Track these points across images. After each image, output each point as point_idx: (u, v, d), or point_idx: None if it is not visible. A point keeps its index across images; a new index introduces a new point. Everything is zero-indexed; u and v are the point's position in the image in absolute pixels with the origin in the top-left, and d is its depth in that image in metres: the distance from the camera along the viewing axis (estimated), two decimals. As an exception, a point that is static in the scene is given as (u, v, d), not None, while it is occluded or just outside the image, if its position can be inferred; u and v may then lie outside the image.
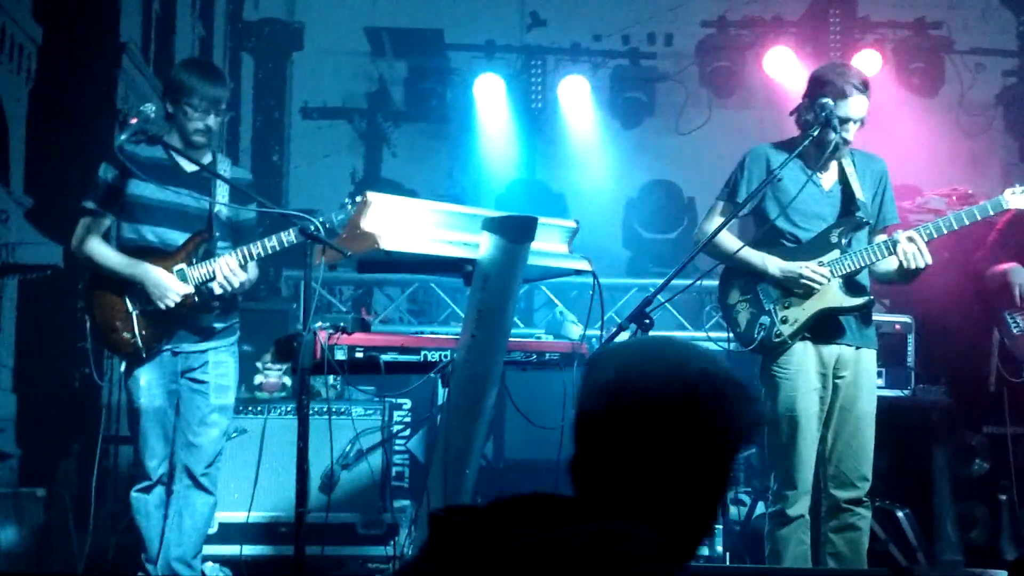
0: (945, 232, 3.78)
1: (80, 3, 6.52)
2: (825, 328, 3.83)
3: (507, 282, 3.14)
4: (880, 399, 4.02)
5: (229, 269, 3.83)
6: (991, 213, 3.82)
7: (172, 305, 3.85)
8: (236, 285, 3.86)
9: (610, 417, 1.37)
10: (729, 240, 3.87)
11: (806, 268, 3.77)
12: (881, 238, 3.89)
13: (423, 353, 3.26)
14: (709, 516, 1.41)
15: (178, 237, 3.93)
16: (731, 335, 3.98)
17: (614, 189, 6.98)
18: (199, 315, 3.96)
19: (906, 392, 5.11)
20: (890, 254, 3.79)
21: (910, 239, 3.72)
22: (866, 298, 3.85)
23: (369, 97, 7.19)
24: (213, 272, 3.87)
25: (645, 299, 3.38)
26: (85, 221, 3.95)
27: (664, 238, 6.68)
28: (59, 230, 4.03)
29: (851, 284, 3.85)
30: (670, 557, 1.29)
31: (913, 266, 3.70)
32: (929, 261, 3.71)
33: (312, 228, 3.19)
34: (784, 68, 6.65)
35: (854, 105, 3.75)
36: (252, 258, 3.87)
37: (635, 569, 1.23)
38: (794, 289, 3.81)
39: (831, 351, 3.85)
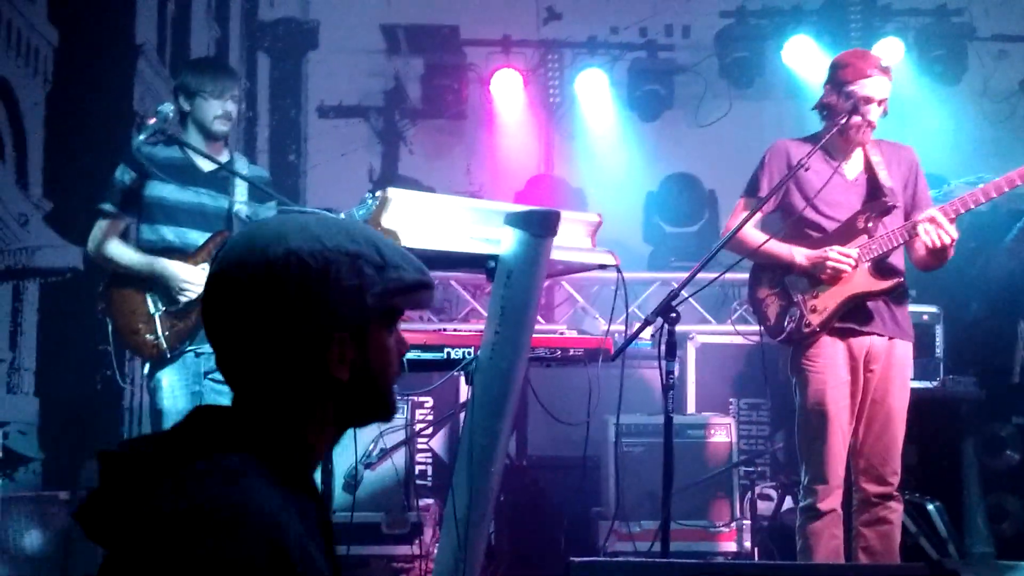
0: (972, 206, 3.70)
1: (95, 6, 6.53)
2: (855, 317, 3.78)
3: (531, 277, 3.09)
4: (910, 391, 3.97)
5: None
6: (1006, 189, 3.73)
7: (195, 296, 3.84)
8: None
9: (210, 304, 1.40)
10: (755, 235, 3.83)
11: (832, 251, 3.73)
12: None
13: (446, 350, 3.22)
14: (307, 418, 1.38)
15: (198, 237, 3.92)
16: (761, 328, 3.94)
17: (634, 183, 6.92)
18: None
19: (935, 383, 5.05)
20: (908, 238, 3.73)
21: (930, 219, 3.66)
22: (895, 280, 3.79)
23: (385, 95, 7.16)
24: None
25: (671, 293, 3.34)
26: (102, 224, 3.94)
27: (686, 231, 6.61)
28: (78, 233, 4.03)
29: (881, 267, 3.79)
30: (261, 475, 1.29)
31: (939, 244, 3.64)
32: (955, 235, 3.64)
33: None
34: (804, 58, 6.58)
35: (876, 85, 3.70)
36: None
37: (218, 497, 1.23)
38: (821, 275, 3.76)
39: (861, 343, 3.80)
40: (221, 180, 3.96)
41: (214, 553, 1.17)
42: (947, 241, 3.64)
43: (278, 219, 1.44)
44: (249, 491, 1.25)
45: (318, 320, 1.35)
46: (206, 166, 3.93)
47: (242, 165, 4.09)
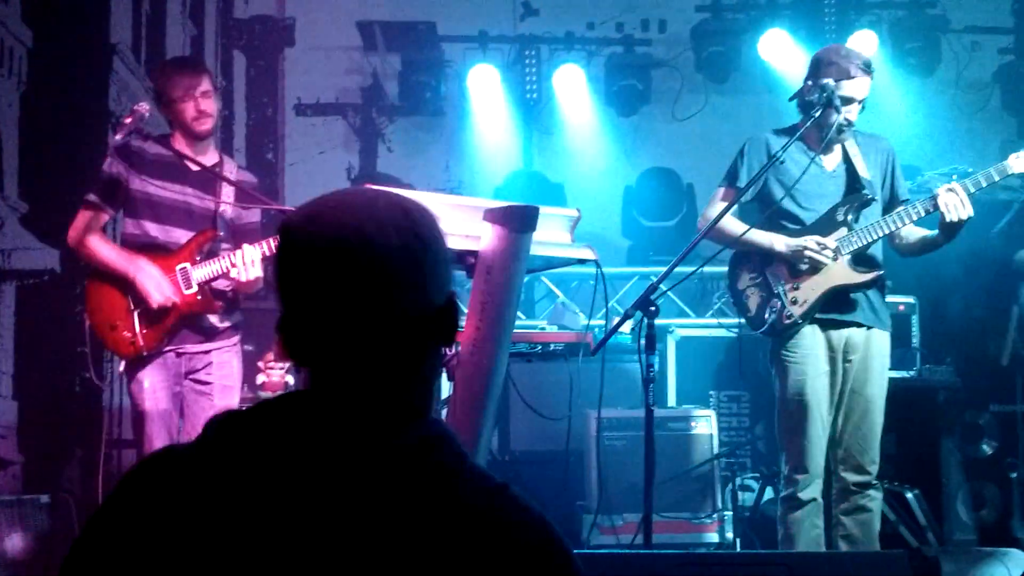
0: (984, 185, 3.72)
1: (70, 5, 6.48)
2: (836, 307, 3.82)
3: (510, 273, 3.09)
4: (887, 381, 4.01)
5: (250, 261, 3.76)
6: (996, 179, 3.77)
7: (156, 306, 3.79)
8: (251, 278, 3.78)
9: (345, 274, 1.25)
10: (733, 224, 3.86)
11: (811, 241, 3.76)
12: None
13: (427, 347, 3.22)
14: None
15: (182, 235, 3.90)
16: (741, 320, 3.97)
17: (612, 178, 6.94)
18: (202, 315, 3.92)
19: (912, 373, 5.10)
20: (926, 211, 3.75)
21: (950, 190, 3.68)
22: (876, 272, 3.83)
23: (363, 92, 7.14)
24: (223, 268, 3.82)
25: (650, 286, 3.37)
26: (86, 214, 3.91)
27: (664, 225, 6.64)
28: (55, 234, 4.00)
29: (860, 260, 3.83)
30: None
31: (956, 217, 3.66)
32: (971, 212, 3.67)
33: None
34: (780, 51, 6.61)
35: (857, 85, 3.74)
36: (274, 252, 3.82)
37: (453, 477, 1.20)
38: (800, 265, 3.79)
39: (840, 335, 3.84)
40: (209, 180, 3.94)
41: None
42: (964, 216, 3.66)
43: (360, 190, 1.39)
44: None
45: (448, 277, 1.31)
46: (195, 164, 3.90)
47: (230, 167, 4.08)
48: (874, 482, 3.87)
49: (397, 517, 1.15)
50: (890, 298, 5.20)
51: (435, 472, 1.20)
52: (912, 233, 3.88)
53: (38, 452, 5.82)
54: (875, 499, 3.88)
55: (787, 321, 3.80)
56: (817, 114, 3.71)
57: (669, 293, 5.91)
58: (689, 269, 3.84)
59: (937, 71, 6.79)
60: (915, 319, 5.21)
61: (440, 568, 1.14)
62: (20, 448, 5.85)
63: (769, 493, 4.90)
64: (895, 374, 5.01)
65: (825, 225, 3.83)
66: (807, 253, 3.76)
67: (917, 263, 4.64)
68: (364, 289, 1.23)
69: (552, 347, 3.53)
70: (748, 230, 3.82)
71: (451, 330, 1.31)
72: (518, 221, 3.06)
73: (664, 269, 3.56)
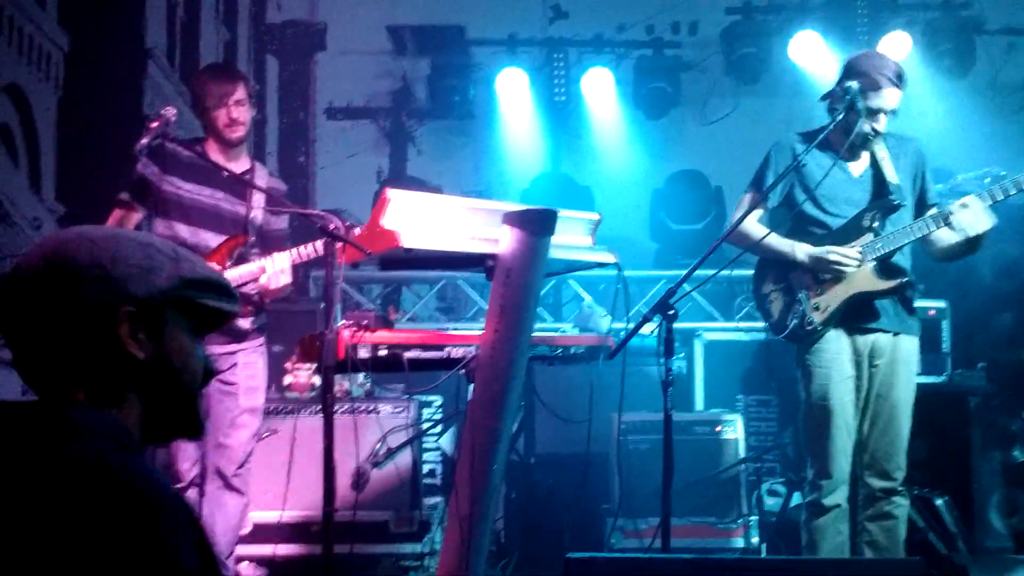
0: (1013, 192, 3.64)
1: (106, 10, 6.57)
2: (860, 314, 3.78)
3: (529, 276, 3.11)
4: (917, 385, 3.96)
5: (281, 268, 3.80)
6: None
7: None
8: (281, 284, 3.83)
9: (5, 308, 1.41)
10: (756, 229, 3.83)
11: (835, 251, 3.72)
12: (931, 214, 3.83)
13: (447, 349, 3.24)
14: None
15: (211, 238, 3.94)
16: (766, 325, 3.95)
17: (640, 181, 6.92)
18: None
19: (943, 378, 5.04)
20: (939, 227, 3.71)
21: (963, 206, 3.64)
22: (899, 280, 3.77)
23: (393, 96, 7.19)
24: (252, 273, 3.86)
25: (669, 290, 3.36)
26: (117, 213, 3.97)
27: (692, 228, 6.61)
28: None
29: (886, 267, 3.78)
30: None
31: (973, 233, 3.62)
32: (992, 222, 3.62)
33: (332, 227, 3.17)
34: (811, 53, 6.57)
35: (887, 97, 3.69)
36: (302, 259, 3.87)
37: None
38: (824, 274, 3.76)
39: (866, 340, 3.80)
40: (240, 185, 3.98)
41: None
42: (983, 230, 3.61)
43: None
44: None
45: (106, 289, 1.38)
46: (225, 171, 3.94)
47: (262, 174, 4.11)
48: (900, 488, 3.82)
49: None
50: (921, 303, 5.15)
51: (51, 435, 1.30)
52: (943, 238, 3.82)
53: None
54: (901, 506, 3.83)
55: (808, 328, 3.77)
56: (839, 117, 3.67)
57: (697, 296, 5.89)
58: (712, 272, 3.82)
59: (971, 73, 6.71)
60: (946, 324, 5.15)
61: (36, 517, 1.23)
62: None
63: (797, 498, 4.86)
64: (926, 379, 4.96)
65: (851, 231, 3.79)
66: (831, 265, 3.72)
67: (949, 267, 4.58)
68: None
69: (573, 350, 3.52)
70: (768, 235, 3.79)
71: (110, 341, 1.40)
72: (537, 224, 3.07)
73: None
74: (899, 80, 3.70)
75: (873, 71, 3.69)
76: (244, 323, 4.01)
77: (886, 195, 3.79)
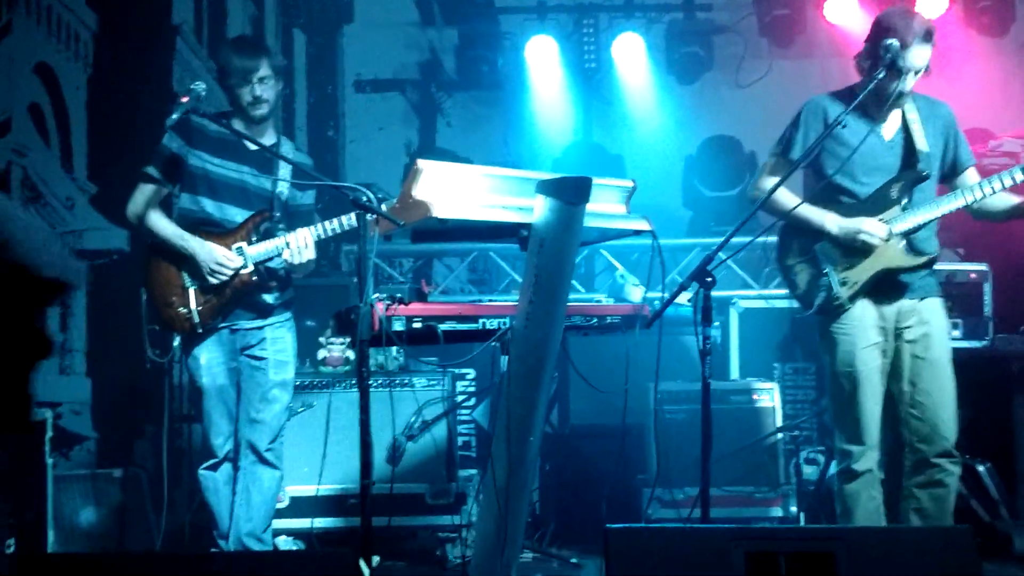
0: None
1: (132, -13, 6.57)
2: (885, 288, 3.73)
3: (564, 245, 3.07)
4: (957, 351, 3.90)
5: (304, 242, 3.82)
6: None
7: (222, 280, 3.86)
8: (304, 260, 3.84)
9: None
10: (786, 197, 3.75)
11: (865, 224, 3.66)
12: (971, 179, 3.75)
13: (481, 321, 3.22)
14: None
15: (237, 214, 3.94)
16: (792, 296, 3.89)
17: (673, 147, 6.84)
18: (256, 293, 3.97)
19: (984, 343, 4.96)
20: (975, 197, 3.66)
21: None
22: (928, 256, 3.72)
23: (421, 67, 7.14)
24: (277, 248, 3.87)
25: (706, 257, 3.31)
26: (144, 188, 3.98)
27: (726, 195, 6.52)
28: (123, 215, 4.06)
29: (913, 241, 3.72)
30: None
31: None
32: None
33: (364, 199, 3.15)
34: (846, 13, 6.43)
35: (916, 55, 3.60)
36: (327, 234, 3.87)
37: None
38: (853, 247, 3.70)
39: (891, 307, 3.75)
40: (267, 160, 3.97)
41: None
42: None
43: None
44: None
45: None
46: (253, 144, 3.93)
47: (287, 148, 4.11)
48: (954, 453, 3.74)
49: None
50: (962, 266, 5.07)
51: None
52: (1001, 201, 3.74)
53: (111, 428, 5.96)
54: (953, 474, 3.75)
55: (835, 303, 3.71)
56: (881, 75, 3.58)
57: (732, 264, 5.82)
58: (747, 239, 3.76)
59: (1011, 31, 6.54)
60: (987, 287, 5.05)
61: None
62: (94, 424, 6.01)
63: (835, 467, 4.82)
64: (966, 344, 4.88)
65: (879, 201, 3.72)
66: (861, 238, 3.66)
67: (990, 230, 4.49)
68: None
69: (608, 320, 3.48)
70: (800, 204, 3.71)
71: None
72: (571, 193, 3.03)
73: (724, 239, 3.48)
74: (928, 37, 3.61)
75: (903, 28, 3.60)
76: (269, 298, 4.01)
77: (914, 164, 3.72)
